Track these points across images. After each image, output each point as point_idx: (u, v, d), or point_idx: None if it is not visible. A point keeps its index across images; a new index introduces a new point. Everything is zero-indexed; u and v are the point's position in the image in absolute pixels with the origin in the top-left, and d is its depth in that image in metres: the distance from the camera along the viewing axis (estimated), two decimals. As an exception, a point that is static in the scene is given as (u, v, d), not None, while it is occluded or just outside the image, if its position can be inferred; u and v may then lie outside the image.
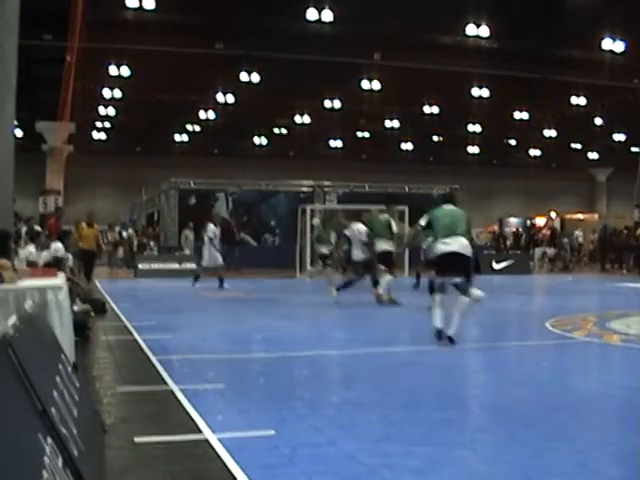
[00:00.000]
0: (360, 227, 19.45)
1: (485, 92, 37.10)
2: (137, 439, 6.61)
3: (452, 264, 12.05)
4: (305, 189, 39.41)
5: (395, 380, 9.79)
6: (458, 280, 12.08)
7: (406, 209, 35.71)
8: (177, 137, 50.77)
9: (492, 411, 8.05)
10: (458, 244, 12.03)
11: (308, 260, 32.80)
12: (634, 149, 53.46)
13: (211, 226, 24.81)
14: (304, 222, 33.72)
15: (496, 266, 37.15)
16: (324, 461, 6.11)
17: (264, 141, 52.00)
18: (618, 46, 30.20)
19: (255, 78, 33.99)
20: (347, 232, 19.94)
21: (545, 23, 27.53)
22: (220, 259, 24.50)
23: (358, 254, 19.26)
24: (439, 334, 11.94)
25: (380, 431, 7.11)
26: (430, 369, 10.65)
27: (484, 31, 28.58)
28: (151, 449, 6.46)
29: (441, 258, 12.19)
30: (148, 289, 26.58)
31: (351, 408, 8.08)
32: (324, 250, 25.55)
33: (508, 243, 48.22)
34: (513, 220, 57.75)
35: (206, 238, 24.71)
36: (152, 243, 37.68)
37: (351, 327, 15.92)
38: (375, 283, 18.98)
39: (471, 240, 12.49)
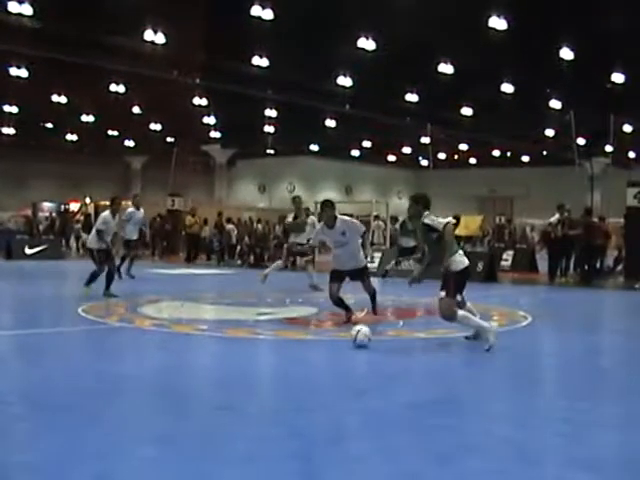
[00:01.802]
0: None
1: (24, 72, 36.31)
2: None
3: None
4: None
5: None
6: None
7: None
8: None
9: (28, 400, 7.92)
10: None
11: None
12: (169, 139, 55.01)
13: None
14: None
15: (29, 251, 36.55)
16: None
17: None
18: (160, 38, 30.86)
19: None
20: None
21: (89, 8, 27.47)
22: None
23: None
24: None
25: None
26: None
27: (27, 9, 27.94)
28: None
29: None
30: None
31: None
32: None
33: (41, 228, 47.47)
34: (47, 205, 57.11)
35: None
36: None
37: None
38: None
39: None
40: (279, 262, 20.32)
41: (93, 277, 17.92)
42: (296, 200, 21.41)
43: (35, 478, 5.55)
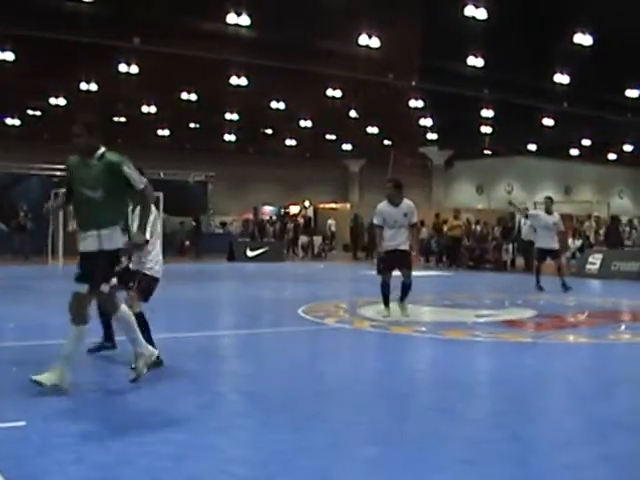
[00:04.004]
0: None
1: (243, 81, 37.28)
2: None
3: None
4: (58, 173, 38.35)
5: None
6: None
7: (161, 196, 35.62)
8: None
9: (248, 397, 8.13)
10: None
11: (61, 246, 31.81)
12: (386, 142, 55.22)
13: None
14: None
15: (250, 253, 37.56)
16: (76, 451, 6.01)
17: (17, 122, 50.30)
18: (374, 42, 31.04)
19: (9, 56, 32.80)
20: None
21: (305, 15, 27.92)
22: None
23: None
24: None
25: (132, 419, 7.06)
26: (185, 356, 10.63)
27: (245, 20, 28.68)
28: None
29: None
30: None
31: (105, 395, 8.00)
32: None
33: (268, 230, 48.59)
34: (268, 208, 58.45)
35: None
36: None
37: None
38: None
39: None
40: None
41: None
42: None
43: (255, 472, 5.69)
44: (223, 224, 48.41)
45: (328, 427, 6.86)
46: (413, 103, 42.89)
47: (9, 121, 49.78)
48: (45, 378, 7.71)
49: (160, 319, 14.88)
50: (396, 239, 14.25)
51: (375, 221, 14.77)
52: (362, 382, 9.07)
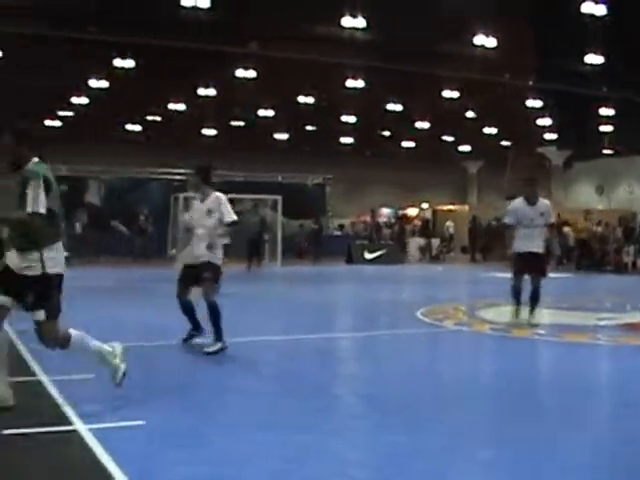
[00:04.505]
0: None
1: (360, 83, 37.31)
2: (5, 431, 6.45)
3: None
4: (178, 177, 39.00)
5: (267, 368, 9.81)
6: None
7: (280, 199, 36.00)
8: (48, 122, 49.67)
9: (365, 399, 8.13)
10: None
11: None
12: (504, 143, 54.64)
13: None
14: (177, 210, 33.33)
15: (368, 256, 37.59)
16: (196, 450, 6.08)
17: (138, 128, 51.37)
18: (490, 42, 30.72)
19: (129, 64, 33.48)
20: None
21: (420, 16, 27.78)
22: None
23: None
24: None
25: (253, 419, 7.11)
26: (304, 358, 10.68)
27: (360, 22, 28.69)
28: (20, 442, 6.32)
29: None
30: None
31: (224, 396, 8.07)
32: None
33: (384, 233, 48.54)
34: (385, 210, 58.37)
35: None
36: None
37: (225, 316, 15.83)
38: None
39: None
40: None
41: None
42: None
43: (371, 475, 5.67)
44: (341, 226, 48.55)
45: (444, 429, 6.81)
46: (530, 103, 42.30)
47: (129, 127, 50.86)
48: None
49: (279, 321, 15.07)
50: (531, 240, 13.51)
51: (507, 220, 13.91)
52: (479, 385, 8.99)
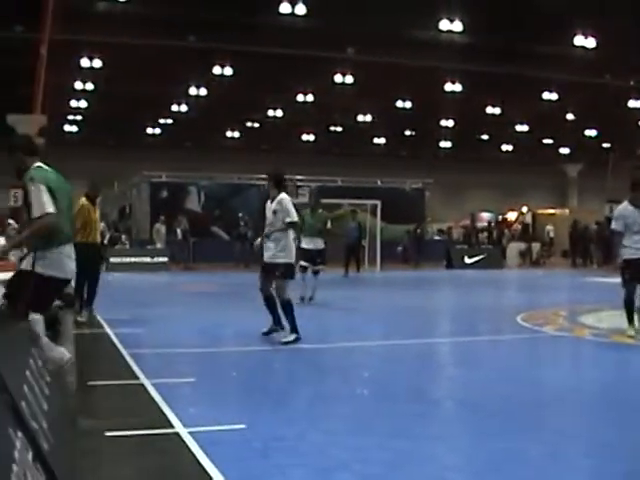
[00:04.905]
0: None
1: (458, 87, 37.12)
2: (108, 433, 6.57)
3: None
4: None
5: (367, 373, 9.80)
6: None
7: (379, 204, 36.02)
8: (149, 130, 50.49)
9: (464, 405, 8.08)
10: None
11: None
12: (605, 145, 53.74)
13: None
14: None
15: (468, 260, 37.37)
16: (295, 454, 6.11)
17: (236, 134, 51.85)
18: (590, 42, 30.27)
19: (228, 71, 33.85)
20: None
21: (518, 18, 27.53)
22: None
23: None
24: None
25: (352, 424, 7.12)
26: (402, 363, 10.66)
27: (457, 26, 28.55)
28: (122, 443, 6.44)
29: None
30: (119, 282, 26.40)
31: (322, 401, 8.09)
32: None
33: (480, 237, 48.17)
34: (485, 215, 57.89)
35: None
36: (124, 237, 37.41)
37: (324, 321, 15.90)
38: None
39: None
40: None
41: None
42: None
43: (471, 479, 5.65)
44: (441, 231, 48.31)
45: (544, 436, 6.72)
46: (632, 103, 41.53)
47: (229, 134, 51.39)
48: None
49: (379, 326, 15.09)
50: None
51: (614, 226, 12.85)
52: (580, 391, 8.85)
